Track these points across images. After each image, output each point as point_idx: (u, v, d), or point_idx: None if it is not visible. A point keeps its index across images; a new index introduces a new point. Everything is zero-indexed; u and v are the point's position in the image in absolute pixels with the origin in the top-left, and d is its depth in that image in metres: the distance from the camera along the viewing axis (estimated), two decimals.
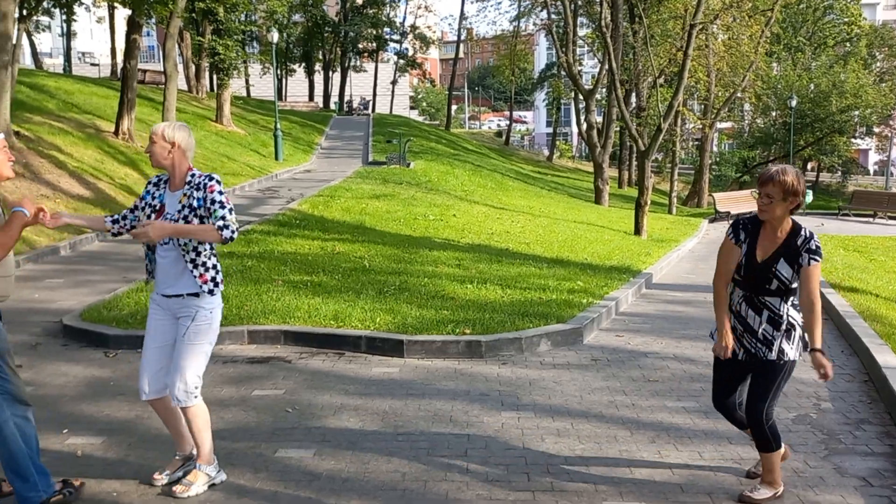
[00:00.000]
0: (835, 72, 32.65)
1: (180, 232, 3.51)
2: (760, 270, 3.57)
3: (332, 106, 47.28)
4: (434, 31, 57.35)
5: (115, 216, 3.84)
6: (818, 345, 3.49)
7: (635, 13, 25.14)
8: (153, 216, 3.64)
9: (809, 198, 28.67)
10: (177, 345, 3.65)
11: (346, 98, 48.85)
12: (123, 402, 4.98)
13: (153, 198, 3.70)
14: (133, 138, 17.41)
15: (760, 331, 3.63)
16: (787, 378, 3.65)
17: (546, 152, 51.67)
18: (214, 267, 3.67)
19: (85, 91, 22.23)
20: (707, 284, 9.56)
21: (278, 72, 38.78)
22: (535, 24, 45.18)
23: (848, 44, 40.15)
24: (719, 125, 35.13)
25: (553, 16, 33.71)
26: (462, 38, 51.03)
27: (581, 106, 33.40)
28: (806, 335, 3.60)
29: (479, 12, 65.80)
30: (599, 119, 33.55)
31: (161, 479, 3.78)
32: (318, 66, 49.24)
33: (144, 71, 31.16)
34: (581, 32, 35.70)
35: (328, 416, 4.74)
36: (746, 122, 40.19)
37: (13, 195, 11.66)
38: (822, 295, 8.38)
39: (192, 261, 3.60)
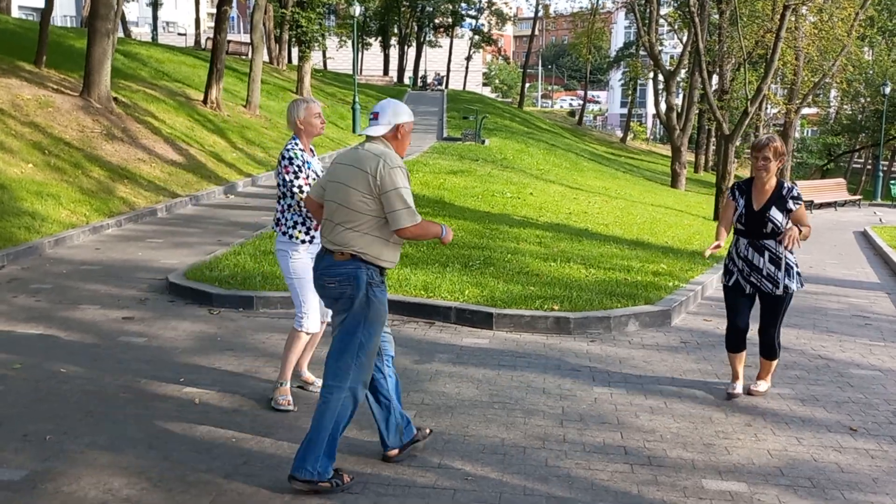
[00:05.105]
0: None
1: None
2: (758, 217, 4.56)
3: (406, 81, 47.52)
4: (510, 7, 56.81)
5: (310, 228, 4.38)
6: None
7: None
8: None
9: None
10: None
11: (420, 73, 48.99)
12: (232, 357, 5.27)
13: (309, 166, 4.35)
14: (220, 107, 17.95)
15: (765, 270, 4.59)
16: (789, 303, 4.71)
17: (619, 133, 50.82)
18: None
19: (174, 60, 22.98)
20: None
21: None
22: (614, 1, 44.25)
23: None
24: (803, 111, 33.82)
25: None
26: (539, 14, 50.43)
27: (660, 87, 32.67)
28: (798, 269, 4.69)
29: None
30: (679, 101, 32.81)
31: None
32: (393, 41, 49.48)
33: (228, 41, 31.90)
34: (663, 11, 34.77)
35: (425, 381, 4.91)
36: (833, 108, 38.59)
37: (112, 157, 12.25)
38: None
39: None
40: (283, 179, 4.28)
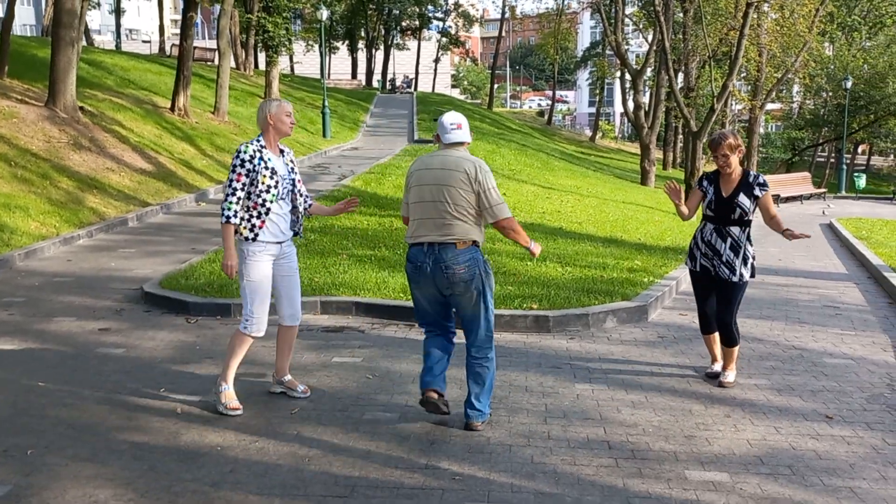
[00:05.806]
0: (892, 52, 31.65)
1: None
2: (727, 203, 4.81)
3: (375, 84, 47.45)
4: (477, 9, 57.03)
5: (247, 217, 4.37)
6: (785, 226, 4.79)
7: None
8: (277, 174, 4.33)
9: (862, 182, 28.02)
10: (292, 277, 4.50)
11: (389, 76, 48.95)
12: (211, 364, 5.23)
13: (264, 162, 4.29)
14: (188, 114, 17.77)
15: (724, 256, 4.85)
16: (744, 292, 4.97)
17: (588, 132, 51.25)
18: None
19: (139, 68, 22.70)
20: (766, 266, 9.55)
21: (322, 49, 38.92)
22: (579, 1, 44.64)
23: None
24: (767, 106, 34.37)
25: None
26: (505, 15, 50.66)
27: (627, 86, 33.00)
28: (754, 261, 4.96)
29: None
30: (646, 100, 33.17)
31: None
32: (360, 44, 49.37)
33: (194, 48, 31.56)
34: (628, 11, 35.13)
35: (407, 383, 4.93)
36: (796, 103, 39.28)
37: (81, 167, 12.08)
38: (887, 279, 8.38)
39: (297, 208, 4.50)
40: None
